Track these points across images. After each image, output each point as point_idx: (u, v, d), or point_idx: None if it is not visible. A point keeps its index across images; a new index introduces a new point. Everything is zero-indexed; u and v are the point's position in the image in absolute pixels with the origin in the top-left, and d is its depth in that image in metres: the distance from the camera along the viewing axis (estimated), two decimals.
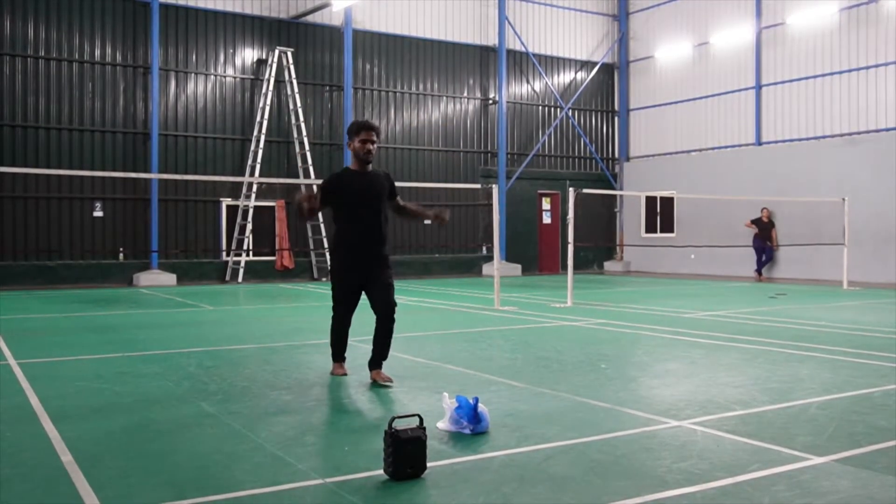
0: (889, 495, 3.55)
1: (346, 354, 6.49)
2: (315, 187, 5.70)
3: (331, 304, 6.26)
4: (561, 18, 24.71)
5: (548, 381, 6.29)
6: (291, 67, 20.03)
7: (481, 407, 4.60)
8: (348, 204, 6.06)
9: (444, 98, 22.60)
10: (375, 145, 6.08)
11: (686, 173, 23.37)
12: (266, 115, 19.72)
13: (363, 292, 6.17)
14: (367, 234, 6.06)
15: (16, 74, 17.50)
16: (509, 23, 23.31)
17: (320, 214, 19.89)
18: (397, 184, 6.36)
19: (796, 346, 8.09)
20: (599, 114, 25.69)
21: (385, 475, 3.78)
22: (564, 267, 17.99)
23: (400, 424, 3.85)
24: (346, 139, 6.12)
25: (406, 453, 3.73)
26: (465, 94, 22.96)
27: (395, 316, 6.14)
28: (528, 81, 24.16)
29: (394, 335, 6.13)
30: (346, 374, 6.35)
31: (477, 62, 23.17)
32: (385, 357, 6.18)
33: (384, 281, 6.10)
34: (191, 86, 19.36)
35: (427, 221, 6.36)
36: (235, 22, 19.82)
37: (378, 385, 6.00)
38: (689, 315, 11.39)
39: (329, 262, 6.25)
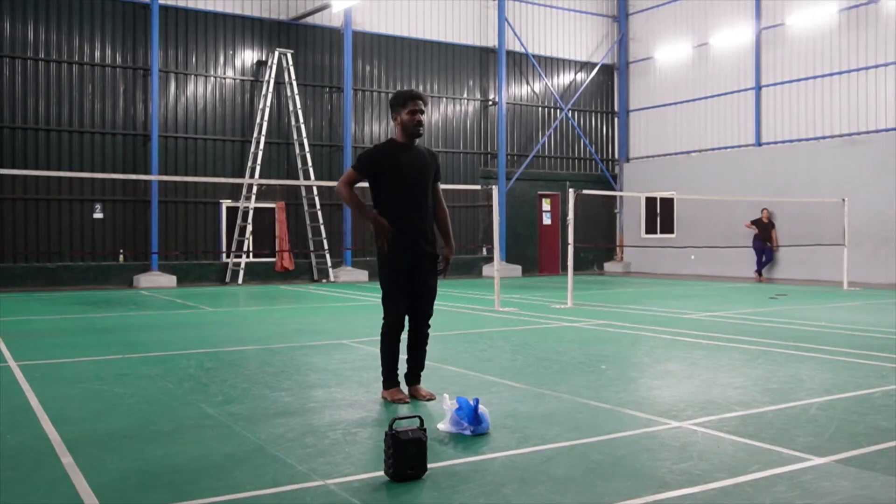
0: (890, 496, 3.54)
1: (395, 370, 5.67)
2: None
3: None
4: (560, 19, 24.72)
5: (548, 381, 6.28)
6: (291, 69, 20.04)
7: (482, 408, 4.60)
8: (394, 181, 5.39)
9: (444, 99, 22.61)
10: (424, 116, 5.53)
11: (686, 174, 23.37)
12: (266, 117, 19.72)
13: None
14: (416, 217, 5.44)
15: (16, 76, 17.50)
16: (509, 24, 23.31)
17: (319, 214, 20.04)
18: None
19: (796, 347, 8.09)
20: (599, 115, 25.69)
21: (386, 476, 3.78)
22: (564, 268, 18.00)
23: (400, 426, 3.85)
24: (391, 114, 5.53)
25: (407, 454, 3.73)
26: (465, 96, 22.96)
27: (430, 323, 5.72)
28: (527, 82, 24.17)
29: (401, 336, 5.90)
30: (408, 401, 5.50)
31: (477, 63, 23.18)
32: (422, 368, 5.73)
33: (430, 284, 5.56)
34: (191, 87, 19.36)
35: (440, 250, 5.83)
36: (235, 23, 19.83)
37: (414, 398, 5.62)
38: (689, 316, 11.39)
39: (377, 252, 5.56)
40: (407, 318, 5.64)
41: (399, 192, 5.44)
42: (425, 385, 5.77)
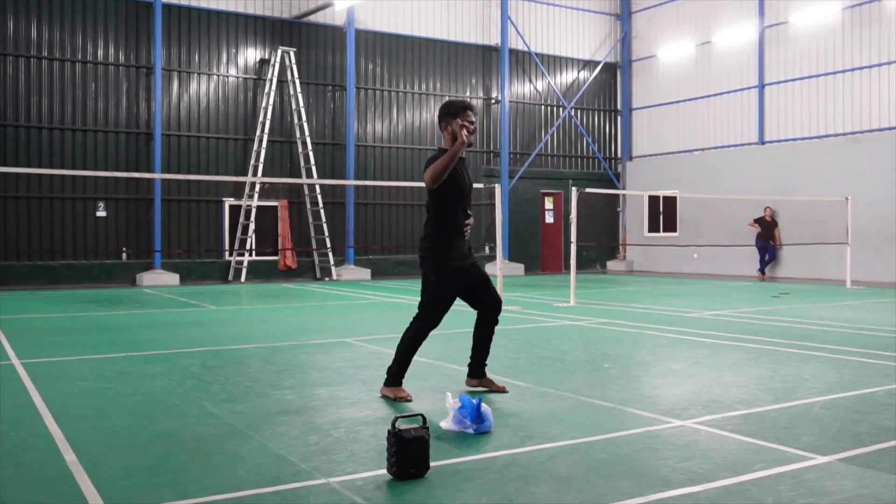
0: (893, 495, 3.54)
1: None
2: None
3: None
4: (563, 18, 24.71)
5: (551, 380, 6.28)
6: (294, 67, 20.05)
7: (484, 406, 4.60)
8: (452, 191, 5.54)
9: (447, 97, 22.59)
10: (474, 126, 5.60)
11: (689, 173, 23.35)
12: (269, 115, 19.73)
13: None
14: (466, 227, 5.69)
15: (19, 75, 17.52)
16: (512, 22, 23.30)
17: (322, 213, 20.04)
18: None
19: (800, 346, 8.08)
20: (602, 113, 25.67)
21: (388, 475, 3.78)
22: (567, 266, 17.98)
23: (403, 424, 3.84)
24: (440, 121, 5.59)
25: (409, 453, 3.73)
26: (468, 94, 22.95)
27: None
28: (530, 81, 24.15)
29: (400, 334, 5.93)
30: (411, 399, 5.54)
31: (479, 62, 23.17)
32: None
33: (485, 275, 5.83)
34: (193, 86, 19.38)
35: None
36: (238, 22, 19.84)
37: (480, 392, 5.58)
38: (692, 314, 11.38)
39: (430, 259, 5.58)
40: (478, 311, 5.82)
41: (457, 202, 5.61)
42: (427, 383, 5.78)
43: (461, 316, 11.42)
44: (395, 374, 5.62)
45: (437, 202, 5.59)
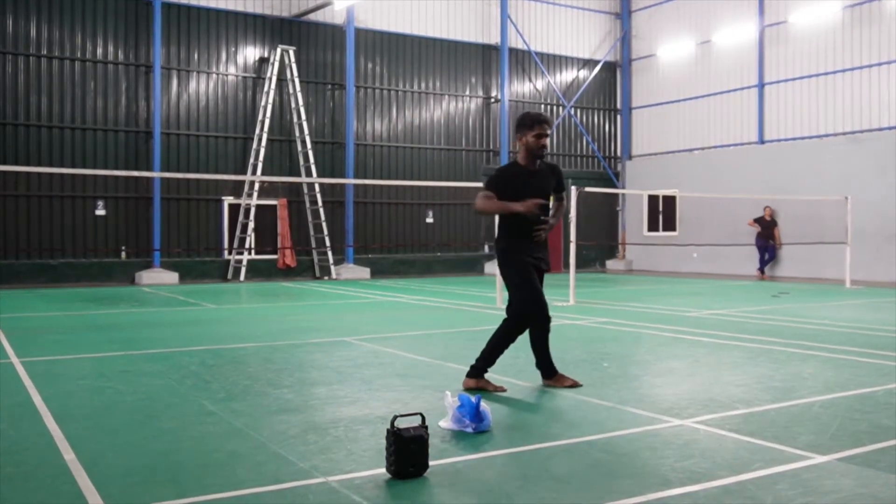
0: (892, 494, 3.54)
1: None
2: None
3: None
4: (563, 17, 24.70)
5: None
6: (293, 66, 20.04)
7: (483, 405, 4.59)
8: (511, 197, 5.62)
9: (447, 96, 22.60)
10: (548, 139, 5.75)
11: (688, 172, 23.35)
12: (268, 114, 19.72)
13: None
14: (529, 230, 5.73)
15: (18, 73, 17.51)
16: (511, 21, 23.30)
17: (321, 212, 20.03)
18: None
19: (799, 345, 8.08)
20: (602, 112, 25.67)
21: (387, 474, 3.78)
22: (566, 265, 17.96)
23: (402, 423, 3.85)
24: (516, 133, 5.75)
25: (408, 452, 3.73)
26: (468, 93, 22.95)
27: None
28: (530, 80, 24.15)
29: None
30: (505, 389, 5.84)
31: (479, 60, 23.16)
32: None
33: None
34: (193, 84, 19.37)
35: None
36: (237, 20, 19.83)
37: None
38: (691, 314, 11.38)
39: (502, 260, 5.84)
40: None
41: (523, 217, 5.64)
42: (427, 381, 5.78)
43: (460, 314, 11.44)
44: (483, 368, 5.79)
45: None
